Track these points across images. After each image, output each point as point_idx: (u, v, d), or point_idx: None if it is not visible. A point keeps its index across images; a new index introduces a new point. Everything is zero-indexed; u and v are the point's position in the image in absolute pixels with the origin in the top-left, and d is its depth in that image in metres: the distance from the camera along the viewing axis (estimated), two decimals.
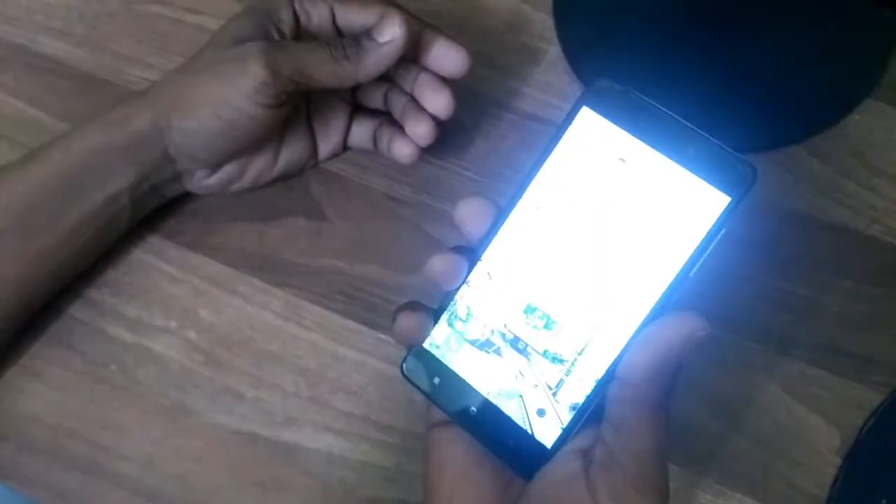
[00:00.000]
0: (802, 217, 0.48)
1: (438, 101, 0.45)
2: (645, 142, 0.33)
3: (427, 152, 0.48)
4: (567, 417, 0.33)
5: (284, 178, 0.50)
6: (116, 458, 0.44)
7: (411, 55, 0.45)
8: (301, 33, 0.46)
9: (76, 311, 0.47)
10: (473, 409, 0.35)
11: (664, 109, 0.33)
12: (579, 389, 0.33)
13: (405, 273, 0.48)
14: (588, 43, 0.54)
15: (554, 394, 0.33)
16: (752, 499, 0.42)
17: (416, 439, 0.43)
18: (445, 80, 0.46)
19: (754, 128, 0.50)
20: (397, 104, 0.47)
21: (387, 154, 0.48)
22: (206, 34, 0.46)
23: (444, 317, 0.36)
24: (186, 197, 0.49)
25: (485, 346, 0.35)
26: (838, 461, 0.42)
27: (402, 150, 0.47)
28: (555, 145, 0.34)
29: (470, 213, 0.35)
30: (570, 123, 0.34)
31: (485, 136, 0.51)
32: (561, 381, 0.33)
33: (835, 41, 0.52)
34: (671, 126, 0.33)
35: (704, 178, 0.32)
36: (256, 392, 0.45)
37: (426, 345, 0.36)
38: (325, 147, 0.50)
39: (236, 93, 0.42)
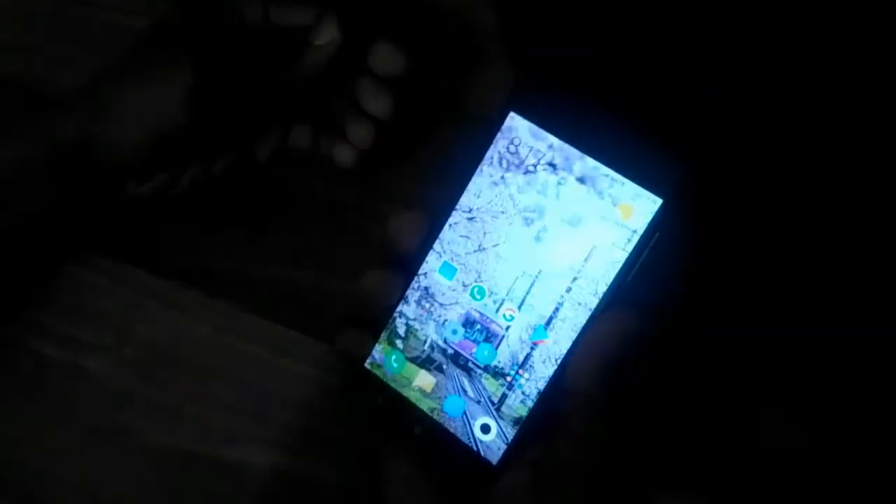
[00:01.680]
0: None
1: (379, 103, 0.44)
2: (575, 146, 0.32)
3: (370, 154, 0.47)
4: (511, 433, 0.32)
5: (222, 184, 0.48)
6: (51, 482, 0.42)
7: (350, 56, 0.44)
8: (234, 35, 0.44)
9: (4, 328, 0.45)
10: (418, 427, 0.34)
11: (597, 110, 0.32)
12: (523, 403, 0.32)
13: (349, 279, 0.46)
14: (538, 43, 0.53)
15: (497, 409, 0.33)
16: (711, 495, 0.41)
17: (364, 452, 0.42)
18: (386, 82, 0.44)
19: None
20: (337, 107, 0.46)
21: (328, 157, 0.47)
22: (136, 36, 0.44)
23: (383, 335, 0.35)
24: (118, 206, 0.47)
25: (426, 363, 0.34)
26: (799, 453, 0.42)
27: (343, 154, 0.46)
28: (484, 154, 0.33)
29: (403, 228, 0.34)
30: (498, 130, 0.33)
31: (431, 137, 0.50)
32: (504, 396, 0.33)
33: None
34: (603, 127, 0.32)
35: (636, 181, 0.31)
36: (196, 409, 0.43)
37: (367, 364, 0.35)
38: (264, 152, 0.48)
39: (165, 100, 0.41)
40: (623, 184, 0.31)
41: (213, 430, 0.43)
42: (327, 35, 0.41)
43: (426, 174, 0.49)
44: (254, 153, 0.48)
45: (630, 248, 0.31)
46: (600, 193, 0.32)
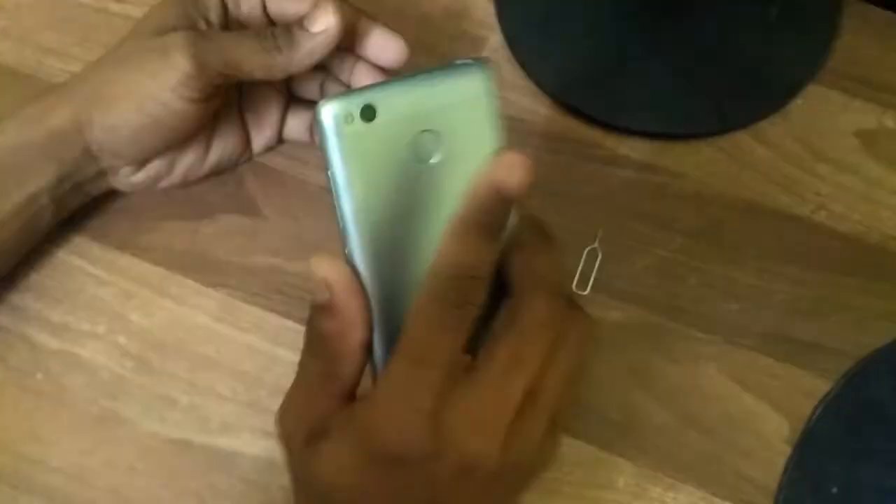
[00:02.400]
0: (747, 204, 0.48)
1: None
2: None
3: None
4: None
5: (217, 173, 0.47)
6: (45, 471, 0.42)
7: (347, 44, 0.43)
8: (230, 22, 0.44)
9: None
10: None
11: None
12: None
13: None
14: (530, 30, 0.52)
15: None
16: (704, 490, 0.41)
17: None
18: (383, 71, 0.44)
19: (698, 113, 0.50)
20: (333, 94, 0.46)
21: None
22: (131, 23, 0.44)
23: None
24: (113, 194, 0.47)
25: None
26: (788, 450, 0.42)
27: None
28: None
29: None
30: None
31: None
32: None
33: (777, 25, 0.52)
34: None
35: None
36: (191, 398, 0.43)
37: None
38: (260, 140, 0.48)
39: (160, 86, 0.40)
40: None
41: (208, 420, 0.43)
42: (324, 22, 0.41)
43: None
44: (249, 142, 0.48)
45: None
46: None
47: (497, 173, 0.30)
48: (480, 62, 0.32)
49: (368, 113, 0.31)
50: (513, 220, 0.33)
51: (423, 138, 0.32)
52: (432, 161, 0.32)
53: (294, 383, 0.34)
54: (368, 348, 0.32)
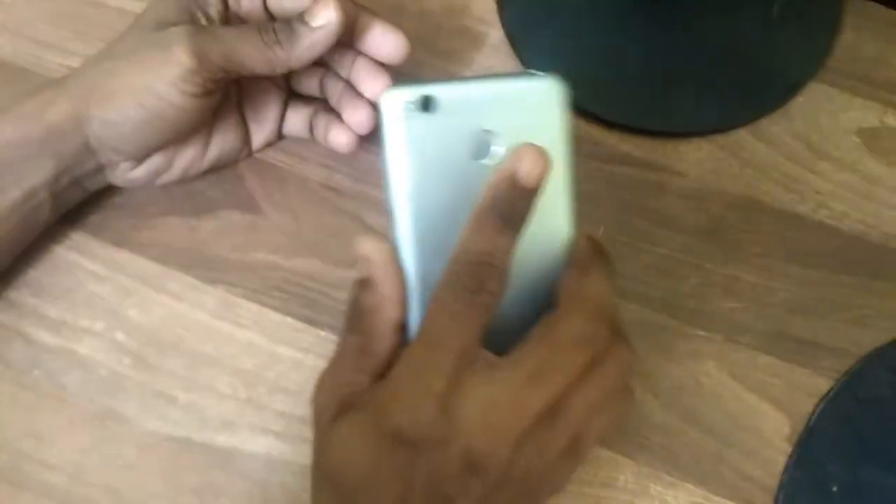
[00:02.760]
0: (748, 202, 0.47)
1: (377, 87, 0.44)
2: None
3: (366, 140, 0.46)
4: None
5: (216, 169, 0.47)
6: (43, 468, 0.42)
7: (347, 40, 0.43)
8: (229, 17, 0.43)
9: None
10: None
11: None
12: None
13: (345, 267, 0.46)
14: (531, 26, 0.52)
15: None
16: (704, 489, 0.41)
17: None
18: (383, 66, 0.44)
19: (699, 111, 0.50)
20: (333, 90, 0.46)
21: (324, 142, 0.46)
22: (129, 18, 0.44)
23: None
24: (111, 190, 0.46)
25: None
26: (788, 448, 0.42)
27: (340, 138, 0.45)
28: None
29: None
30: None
31: None
32: None
33: (779, 23, 0.52)
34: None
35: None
36: (189, 395, 0.43)
37: None
38: (259, 136, 0.48)
39: (160, 81, 0.40)
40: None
41: (206, 417, 0.43)
42: (324, 17, 0.41)
43: None
44: (249, 137, 0.48)
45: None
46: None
47: (514, 165, 0.31)
48: (555, 75, 0.33)
49: (428, 104, 0.32)
50: (572, 234, 0.34)
51: (482, 137, 0.33)
52: (486, 160, 0.33)
53: (331, 359, 0.34)
54: (402, 328, 0.34)
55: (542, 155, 0.31)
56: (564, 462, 0.33)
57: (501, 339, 0.33)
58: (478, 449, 0.31)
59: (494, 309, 0.32)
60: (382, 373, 0.33)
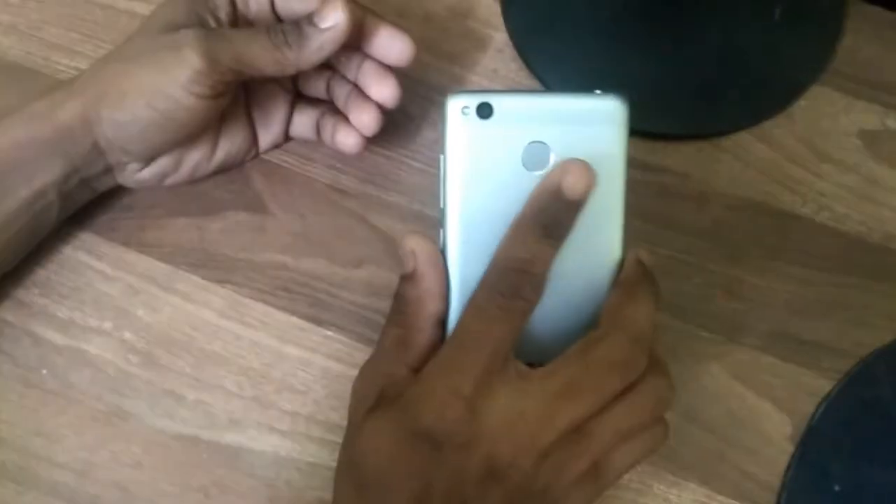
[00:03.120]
0: (751, 204, 0.48)
1: (383, 90, 0.44)
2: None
3: (372, 142, 0.46)
4: None
5: (223, 170, 0.48)
6: (51, 467, 0.42)
7: (354, 42, 0.44)
8: (238, 20, 0.44)
9: (3, 312, 0.45)
10: None
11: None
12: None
13: (351, 267, 0.46)
14: (536, 29, 0.53)
15: None
16: (706, 488, 0.42)
17: None
18: (390, 68, 0.44)
19: (702, 113, 0.50)
20: (340, 93, 0.46)
21: (331, 144, 0.47)
22: (137, 21, 0.44)
23: None
24: (119, 191, 0.47)
25: None
26: (791, 448, 0.42)
27: (347, 140, 0.46)
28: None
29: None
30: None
31: (432, 124, 0.50)
32: None
33: (781, 26, 0.52)
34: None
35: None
36: (197, 394, 0.43)
37: None
38: (266, 138, 0.48)
39: (171, 82, 0.40)
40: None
41: (214, 415, 0.43)
42: (333, 18, 0.41)
43: (428, 162, 0.49)
44: (256, 139, 0.48)
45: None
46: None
47: (560, 177, 0.31)
48: (618, 95, 0.33)
49: (485, 110, 0.33)
50: (621, 254, 0.35)
51: (538, 149, 0.33)
52: (540, 172, 0.33)
53: (374, 350, 0.35)
54: (442, 323, 0.34)
55: (588, 169, 0.31)
56: (582, 487, 0.33)
57: (540, 351, 0.33)
58: (501, 456, 0.31)
59: (529, 316, 0.32)
60: (421, 366, 0.33)
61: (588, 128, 0.33)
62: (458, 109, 0.33)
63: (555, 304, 0.34)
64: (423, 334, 0.34)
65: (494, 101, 0.33)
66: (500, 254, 0.32)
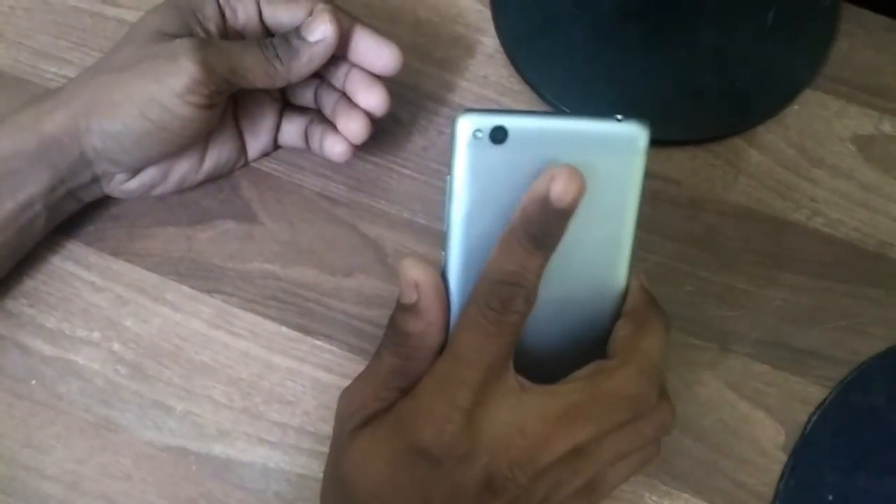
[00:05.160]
0: (743, 210, 0.47)
1: (372, 98, 0.44)
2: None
3: (361, 149, 0.46)
4: None
5: (212, 179, 0.47)
6: (39, 478, 0.42)
7: (342, 51, 0.43)
8: (227, 31, 0.43)
9: None
10: None
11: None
12: None
13: (341, 276, 0.46)
14: (527, 34, 0.52)
15: None
16: (699, 498, 0.41)
17: None
18: (378, 76, 0.44)
19: (694, 119, 0.50)
20: (328, 101, 0.46)
21: (319, 152, 0.46)
22: (126, 28, 0.44)
23: None
24: (107, 200, 0.47)
25: None
26: (784, 457, 0.42)
27: (335, 148, 0.45)
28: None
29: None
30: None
31: (422, 131, 0.50)
32: None
33: (773, 31, 0.52)
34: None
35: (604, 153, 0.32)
36: (186, 405, 0.43)
37: None
38: (255, 146, 0.48)
39: (166, 91, 0.40)
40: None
41: (203, 427, 0.43)
42: (321, 31, 0.41)
43: (418, 169, 0.49)
44: (244, 148, 0.48)
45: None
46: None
47: (547, 185, 0.30)
48: (639, 121, 0.32)
49: (499, 135, 0.31)
50: (627, 282, 0.34)
51: None
52: None
53: (365, 371, 0.34)
54: (440, 351, 0.33)
55: (576, 175, 0.30)
56: (578, 502, 0.33)
57: (540, 372, 0.33)
58: (499, 469, 0.31)
59: (522, 328, 0.31)
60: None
61: (606, 155, 0.32)
62: (469, 131, 0.31)
63: (557, 327, 0.33)
64: (422, 364, 0.32)
65: (509, 124, 0.31)
66: (490, 266, 0.31)
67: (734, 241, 0.47)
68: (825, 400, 0.43)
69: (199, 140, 0.45)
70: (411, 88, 0.50)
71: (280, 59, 0.41)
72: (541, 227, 0.31)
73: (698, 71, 0.51)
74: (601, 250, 0.33)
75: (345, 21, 0.42)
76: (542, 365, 0.33)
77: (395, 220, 0.47)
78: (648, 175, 0.48)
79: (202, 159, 0.46)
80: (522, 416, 0.31)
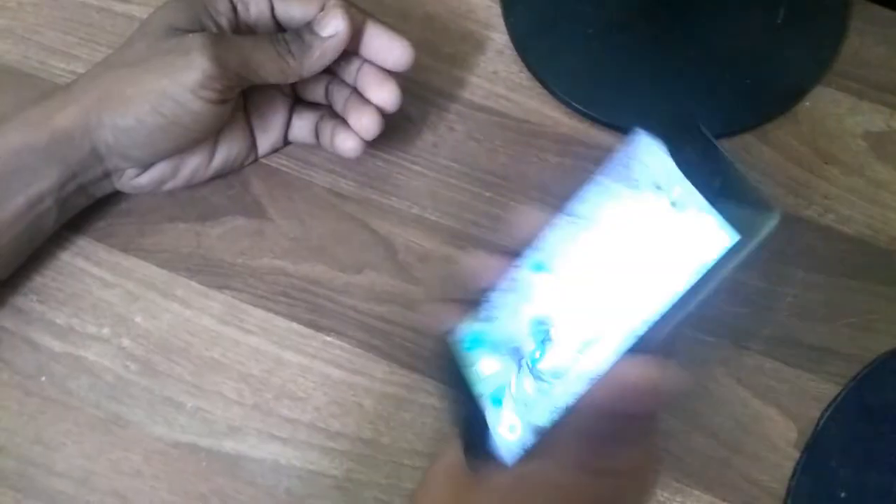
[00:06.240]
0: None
1: (383, 94, 0.44)
2: (684, 172, 0.31)
3: (371, 145, 0.46)
4: (530, 441, 0.32)
5: (222, 175, 0.47)
6: (50, 475, 0.42)
7: (353, 47, 0.43)
8: (239, 26, 0.43)
9: (2, 319, 0.45)
10: (464, 409, 0.34)
11: (715, 144, 0.31)
12: (549, 414, 0.32)
13: (351, 272, 0.46)
14: (536, 30, 0.52)
15: (528, 413, 0.32)
16: (711, 495, 0.41)
17: (366, 445, 0.42)
18: (389, 72, 0.44)
19: (705, 115, 0.49)
20: (339, 97, 0.46)
21: (330, 148, 0.46)
22: (135, 24, 0.44)
23: (470, 314, 0.34)
24: (117, 196, 0.47)
25: (493, 349, 0.34)
26: (796, 454, 0.42)
27: (346, 144, 0.45)
28: (614, 168, 0.32)
29: (527, 221, 0.33)
30: (631, 149, 0.32)
31: (432, 127, 0.50)
32: (535, 402, 0.32)
33: (784, 27, 0.52)
34: (710, 159, 0.31)
35: (724, 214, 0.30)
36: (196, 401, 0.43)
37: (450, 340, 0.35)
38: (265, 142, 0.48)
39: (179, 86, 0.40)
40: (711, 215, 0.30)
41: (213, 423, 0.43)
42: (333, 26, 0.41)
43: (429, 165, 0.49)
44: (255, 144, 0.48)
45: (693, 280, 0.30)
46: (685, 219, 0.31)
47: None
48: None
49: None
50: None
51: None
52: None
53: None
54: None
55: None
56: None
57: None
58: None
59: None
60: None
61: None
62: None
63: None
64: None
65: None
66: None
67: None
68: (837, 397, 0.42)
69: (210, 135, 0.45)
70: (421, 84, 0.50)
71: (292, 55, 0.41)
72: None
73: (709, 67, 0.51)
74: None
75: (357, 16, 0.42)
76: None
77: (405, 217, 0.47)
78: None
79: (212, 155, 0.46)
80: None
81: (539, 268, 0.34)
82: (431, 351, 0.35)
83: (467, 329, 0.35)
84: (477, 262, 0.34)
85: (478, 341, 0.34)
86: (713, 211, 0.30)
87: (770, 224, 0.29)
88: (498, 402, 0.33)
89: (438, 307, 0.35)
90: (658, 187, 0.32)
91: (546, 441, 0.32)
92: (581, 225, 0.33)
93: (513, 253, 0.34)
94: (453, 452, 0.33)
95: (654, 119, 0.33)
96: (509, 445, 0.32)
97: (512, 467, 0.32)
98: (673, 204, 0.31)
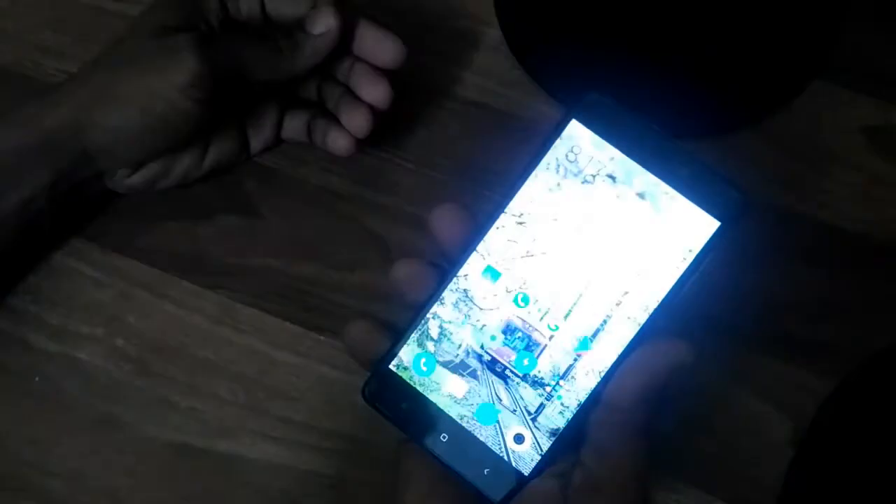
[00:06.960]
0: (752, 202, 0.47)
1: (376, 92, 0.44)
2: (637, 161, 0.31)
3: (365, 143, 0.46)
4: (546, 444, 0.32)
5: (214, 173, 0.47)
6: (43, 475, 0.42)
7: (345, 45, 0.43)
8: (229, 24, 0.43)
9: None
10: (445, 435, 0.32)
11: (655, 127, 0.31)
12: (561, 415, 0.32)
13: (345, 271, 0.46)
14: (530, 26, 0.52)
15: (533, 419, 0.32)
16: (708, 493, 0.41)
17: (360, 445, 0.42)
18: (382, 70, 0.44)
19: (702, 112, 0.49)
20: (332, 95, 0.45)
21: (322, 146, 0.46)
22: (128, 23, 0.44)
23: (413, 336, 0.33)
24: (110, 196, 0.46)
25: (459, 368, 0.33)
26: (792, 451, 0.41)
27: (339, 142, 0.45)
28: (540, 158, 0.32)
29: (445, 222, 0.32)
30: (557, 136, 0.32)
31: (425, 124, 0.49)
32: (542, 406, 0.32)
33: (782, 22, 0.51)
34: (666, 147, 0.31)
35: (696, 202, 0.31)
36: (189, 401, 0.43)
37: (392, 366, 0.33)
38: (257, 141, 0.47)
39: (168, 86, 0.40)
40: (683, 203, 0.31)
41: (207, 423, 0.42)
42: (324, 24, 0.41)
43: (422, 163, 0.48)
44: (247, 142, 0.47)
45: (684, 267, 0.31)
46: (658, 210, 0.31)
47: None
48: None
49: None
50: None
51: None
52: None
53: None
54: None
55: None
56: None
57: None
58: None
59: None
60: None
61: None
62: None
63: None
64: None
65: None
66: None
67: (742, 234, 0.46)
68: (833, 393, 0.42)
69: (201, 134, 0.44)
70: (414, 82, 0.50)
71: (283, 53, 0.41)
72: None
73: (706, 62, 0.50)
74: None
75: (348, 14, 0.42)
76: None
77: (398, 214, 0.47)
78: None
79: (204, 154, 0.45)
80: None
81: (493, 274, 0.33)
82: (370, 391, 0.34)
83: (411, 352, 0.33)
84: (409, 271, 0.33)
85: (433, 362, 0.33)
86: (686, 199, 0.31)
87: (741, 206, 0.31)
88: (490, 419, 0.32)
89: (358, 326, 0.34)
90: (612, 178, 0.31)
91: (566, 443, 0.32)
92: (537, 222, 0.32)
93: (448, 259, 0.33)
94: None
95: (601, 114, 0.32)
96: (521, 456, 0.32)
97: (532, 478, 0.32)
98: (640, 195, 0.31)
